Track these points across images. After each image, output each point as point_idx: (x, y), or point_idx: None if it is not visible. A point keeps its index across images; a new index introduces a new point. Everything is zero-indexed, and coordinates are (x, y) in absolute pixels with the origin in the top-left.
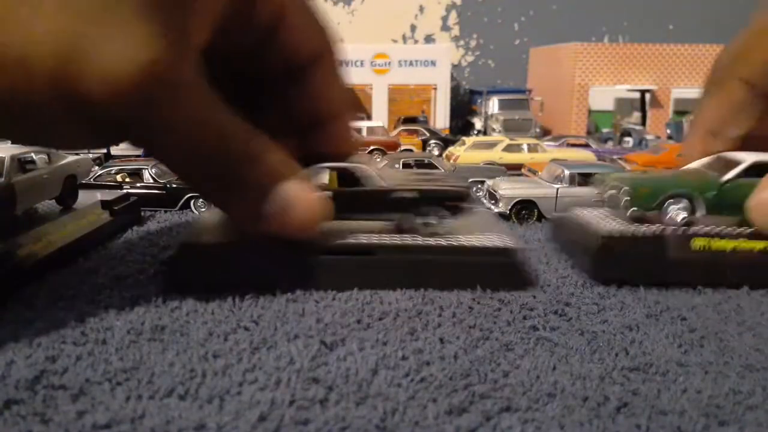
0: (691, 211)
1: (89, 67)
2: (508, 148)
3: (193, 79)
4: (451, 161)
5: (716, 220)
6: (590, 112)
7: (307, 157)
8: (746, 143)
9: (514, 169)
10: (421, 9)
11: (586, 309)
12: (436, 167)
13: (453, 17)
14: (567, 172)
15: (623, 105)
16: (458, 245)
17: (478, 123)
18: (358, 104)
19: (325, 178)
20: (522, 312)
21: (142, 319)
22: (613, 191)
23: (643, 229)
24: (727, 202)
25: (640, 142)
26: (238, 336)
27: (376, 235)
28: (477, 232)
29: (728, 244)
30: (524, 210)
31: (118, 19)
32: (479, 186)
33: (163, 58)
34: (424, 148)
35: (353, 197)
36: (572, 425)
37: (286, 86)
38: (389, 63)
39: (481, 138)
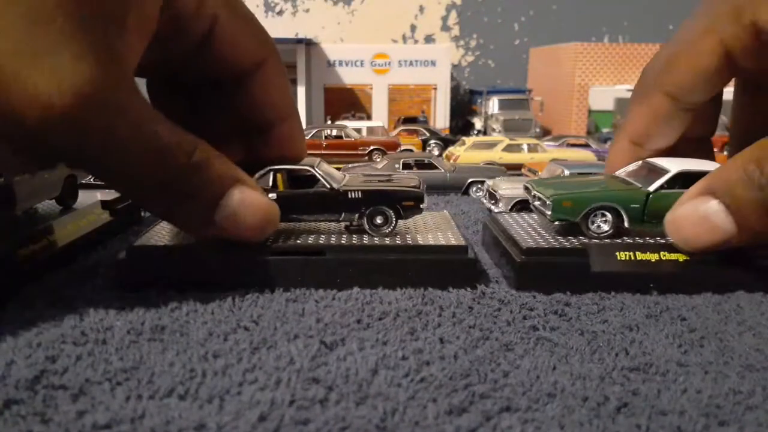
0: (616, 222)
1: (19, 91)
2: (508, 148)
3: (127, 97)
4: (451, 161)
5: (641, 231)
6: (590, 112)
7: (257, 162)
8: (675, 147)
9: (514, 169)
10: (421, 9)
11: (586, 309)
12: (436, 167)
13: (453, 17)
14: (567, 172)
15: (623, 105)
16: (404, 244)
17: (478, 123)
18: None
19: (272, 180)
20: (522, 312)
21: (142, 319)
22: (538, 202)
23: (565, 244)
24: (652, 213)
25: None
26: (238, 336)
27: (326, 236)
28: (425, 231)
29: (652, 257)
30: (524, 210)
31: (46, 42)
32: (479, 186)
33: (94, 79)
34: (424, 148)
35: (302, 199)
36: (572, 425)
37: (230, 94)
38: (389, 63)
39: (481, 138)
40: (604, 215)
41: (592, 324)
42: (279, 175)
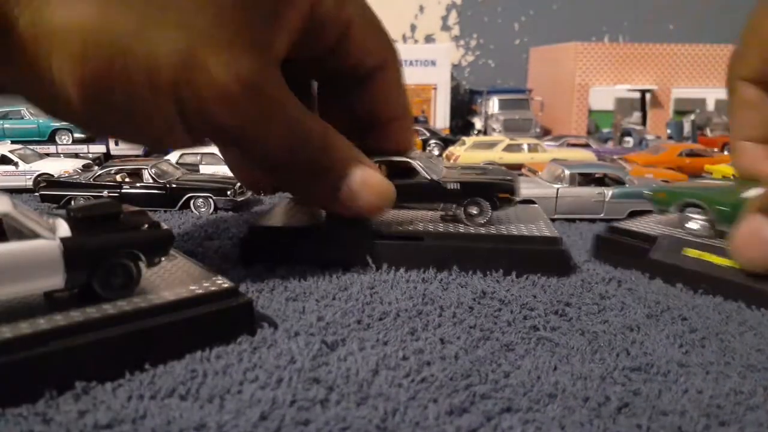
0: (708, 221)
1: (202, 79)
2: (509, 148)
3: (278, 87)
4: (451, 161)
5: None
6: (590, 111)
7: (366, 153)
8: None
9: (514, 169)
10: (421, 9)
11: (586, 309)
12: None
13: (453, 17)
14: (567, 172)
15: (623, 105)
16: (498, 234)
17: (478, 123)
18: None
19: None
20: (522, 312)
21: None
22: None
23: (646, 230)
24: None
25: (641, 142)
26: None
27: (424, 224)
28: (517, 222)
29: (716, 259)
30: None
31: (223, 39)
32: None
33: (255, 71)
34: (424, 148)
35: (403, 188)
36: (573, 426)
37: (351, 91)
38: None
39: (482, 138)
40: (696, 212)
41: (592, 324)
42: (382, 167)
